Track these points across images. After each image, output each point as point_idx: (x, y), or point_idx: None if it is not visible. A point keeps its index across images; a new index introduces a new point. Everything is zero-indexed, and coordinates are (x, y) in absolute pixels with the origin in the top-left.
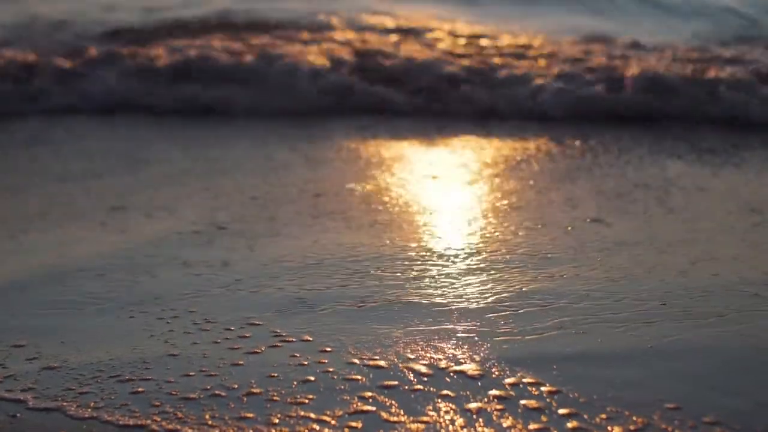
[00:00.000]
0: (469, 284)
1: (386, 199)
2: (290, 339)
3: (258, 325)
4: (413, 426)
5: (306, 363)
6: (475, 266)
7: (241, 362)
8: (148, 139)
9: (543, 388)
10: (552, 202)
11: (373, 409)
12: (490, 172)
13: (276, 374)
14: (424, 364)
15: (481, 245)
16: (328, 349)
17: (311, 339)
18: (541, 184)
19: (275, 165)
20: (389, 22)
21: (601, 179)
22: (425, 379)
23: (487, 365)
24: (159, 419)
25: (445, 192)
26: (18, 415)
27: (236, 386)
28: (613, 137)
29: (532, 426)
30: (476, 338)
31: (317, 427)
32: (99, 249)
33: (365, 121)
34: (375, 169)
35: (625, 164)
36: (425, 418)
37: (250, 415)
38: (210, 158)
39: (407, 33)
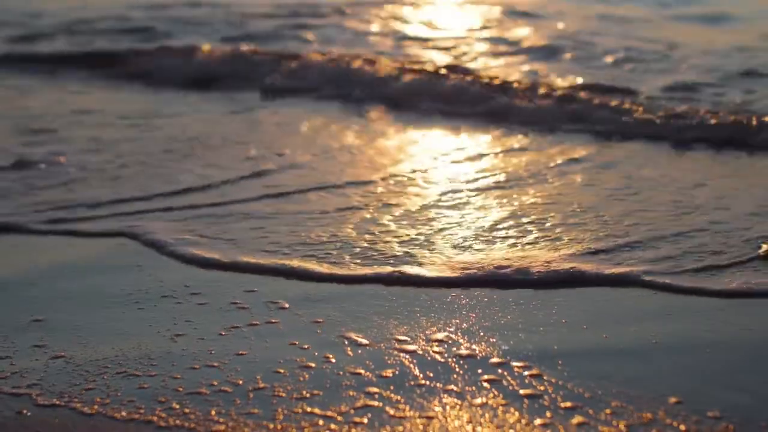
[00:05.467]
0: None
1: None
2: (296, 333)
3: (263, 318)
4: (418, 421)
5: (311, 357)
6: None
7: (247, 357)
8: None
9: (548, 383)
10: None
11: (379, 404)
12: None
13: (282, 370)
14: (427, 358)
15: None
16: (334, 343)
17: (317, 333)
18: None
19: None
20: None
21: None
22: (430, 373)
23: (491, 360)
24: (165, 415)
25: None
26: (24, 411)
27: (242, 382)
28: None
29: (537, 421)
30: (480, 333)
31: (322, 423)
32: (104, 244)
33: None
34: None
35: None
36: (429, 413)
37: (256, 411)
38: None
39: None
